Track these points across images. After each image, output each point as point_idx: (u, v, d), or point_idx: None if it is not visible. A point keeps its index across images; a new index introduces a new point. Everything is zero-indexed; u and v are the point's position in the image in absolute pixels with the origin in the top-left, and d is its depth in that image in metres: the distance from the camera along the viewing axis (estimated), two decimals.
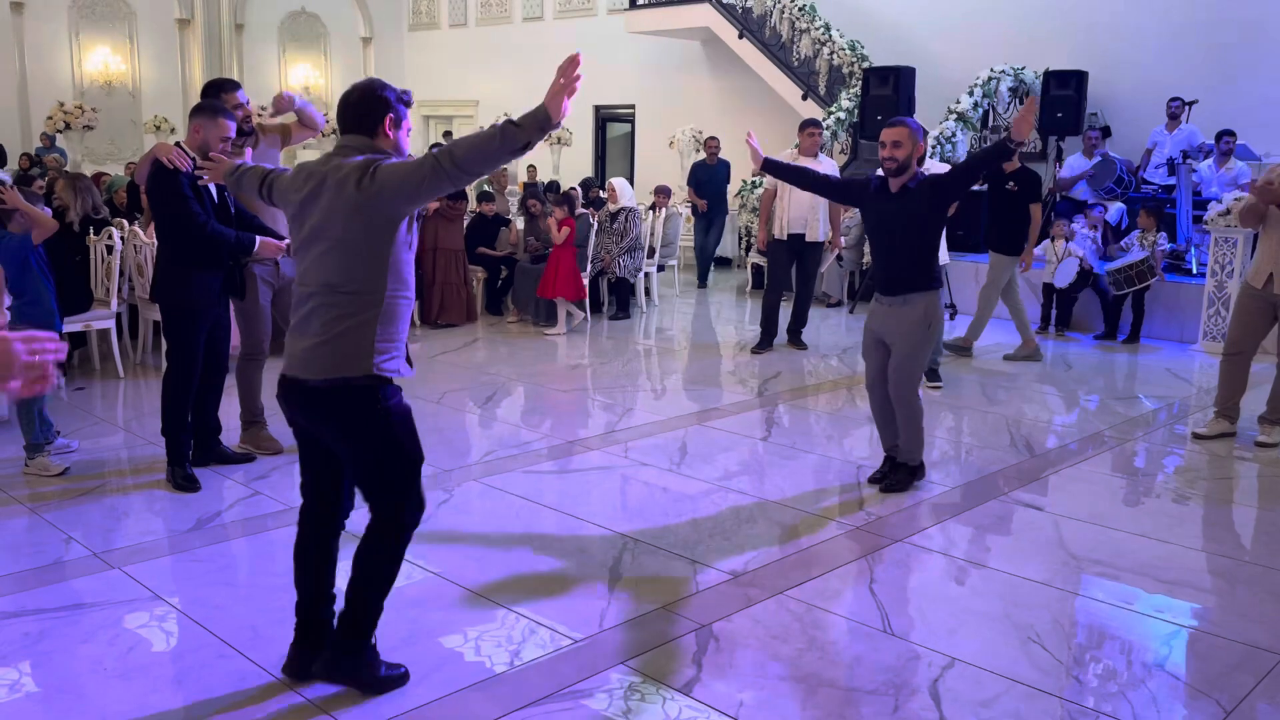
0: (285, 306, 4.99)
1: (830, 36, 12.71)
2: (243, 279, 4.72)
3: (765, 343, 7.96)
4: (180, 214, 4.35)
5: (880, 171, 4.62)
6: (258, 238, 4.55)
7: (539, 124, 2.48)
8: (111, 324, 6.59)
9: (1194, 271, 8.99)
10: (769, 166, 5.08)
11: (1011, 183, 7.52)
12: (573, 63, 2.47)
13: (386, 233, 2.64)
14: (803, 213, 7.72)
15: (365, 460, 2.77)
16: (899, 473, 4.74)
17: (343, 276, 2.64)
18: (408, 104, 2.80)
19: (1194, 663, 3.18)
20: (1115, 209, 9.74)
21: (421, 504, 2.85)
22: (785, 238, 7.78)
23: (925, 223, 4.50)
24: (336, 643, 2.88)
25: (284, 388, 2.79)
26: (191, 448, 4.71)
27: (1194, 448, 5.57)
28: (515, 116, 2.51)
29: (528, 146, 2.52)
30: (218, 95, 4.79)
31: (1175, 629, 3.41)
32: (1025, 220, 7.52)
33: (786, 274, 8.10)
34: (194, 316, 4.51)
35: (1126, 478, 5.10)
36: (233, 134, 4.42)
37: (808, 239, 7.79)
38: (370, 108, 2.72)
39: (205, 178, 3.64)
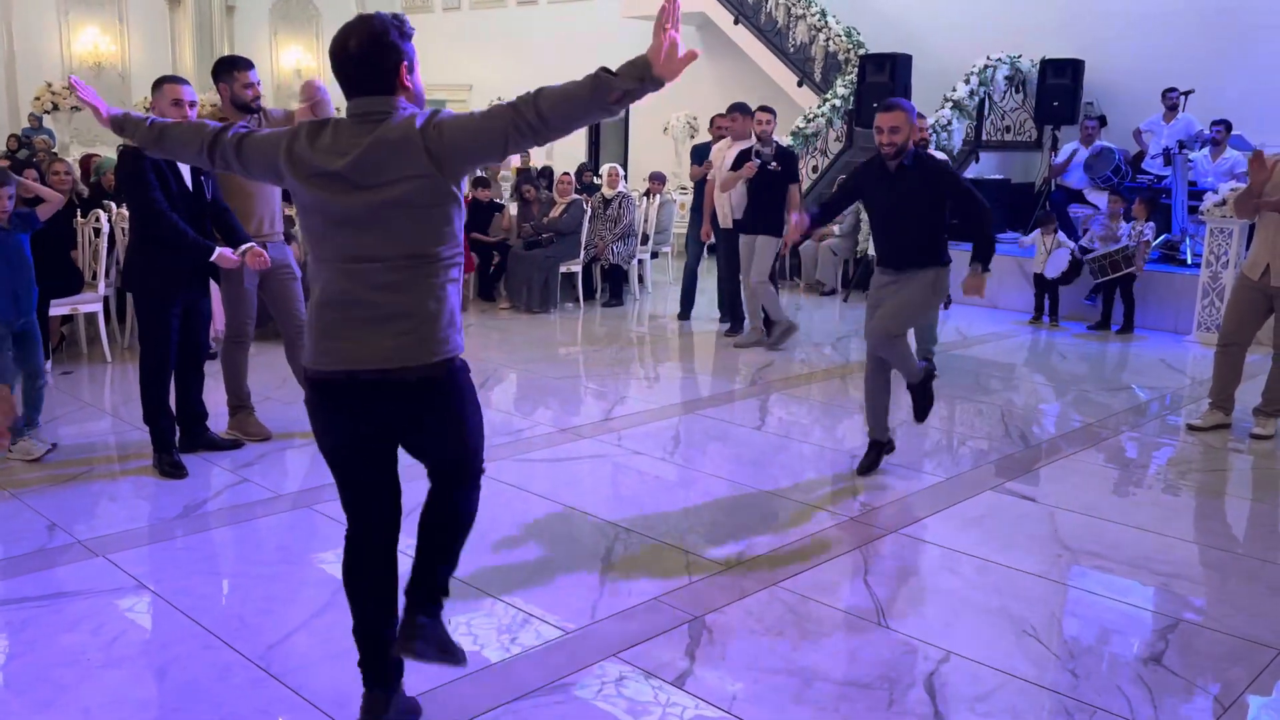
0: (277, 293, 4.91)
1: (826, 22, 12.64)
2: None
3: (738, 325, 8.09)
4: (140, 201, 4.28)
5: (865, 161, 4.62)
6: (217, 250, 4.43)
7: (638, 73, 2.11)
8: (99, 307, 6.52)
9: (1188, 262, 8.97)
10: (816, 224, 4.82)
11: (775, 163, 7.19)
12: (665, 11, 2.09)
13: (453, 192, 2.33)
14: (741, 200, 7.68)
15: (468, 431, 2.46)
16: (917, 401, 4.78)
17: (421, 243, 2.30)
18: (410, 36, 2.37)
19: (1189, 656, 3.15)
20: (1122, 204, 9.69)
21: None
22: (731, 225, 7.81)
23: (927, 200, 4.50)
24: (432, 614, 2.53)
25: (344, 387, 2.35)
26: (178, 434, 4.66)
27: (1188, 439, 5.55)
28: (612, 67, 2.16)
29: (623, 100, 2.14)
30: (229, 72, 4.71)
31: (1170, 622, 3.39)
32: (784, 201, 7.29)
33: (737, 258, 8.12)
34: (163, 301, 4.43)
35: (1120, 469, 5.08)
36: (185, 96, 4.32)
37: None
38: (381, 59, 2.29)
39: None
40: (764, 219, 7.23)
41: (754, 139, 7.35)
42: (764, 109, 7.42)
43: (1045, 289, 8.97)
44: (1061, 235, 8.75)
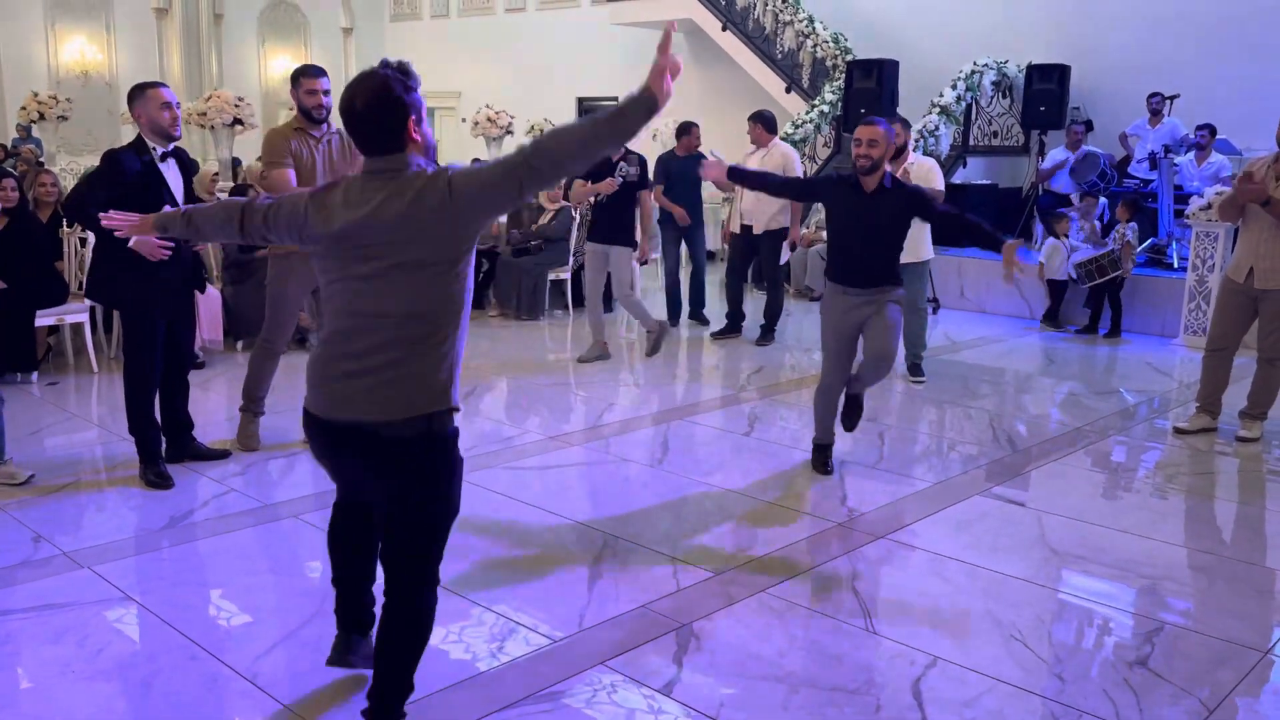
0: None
1: (814, 29, 12.67)
2: (200, 271, 4.65)
3: (730, 328, 8.24)
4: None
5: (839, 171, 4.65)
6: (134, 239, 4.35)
7: (644, 107, 2.19)
8: (85, 318, 6.49)
9: (1175, 266, 9.00)
10: (735, 175, 4.94)
11: (635, 169, 7.01)
12: (668, 37, 2.19)
13: (465, 248, 2.35)
14: (749, 205, 7.91)
15: (427, 509, 2.45)
16: (855, 410, 4.82)
17: (425, 303, 2.32)
18: (416, 87, 2.36)
19: (1176, 660, 3.16)
20: (1098, 204, 9.75)
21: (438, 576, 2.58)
22: (738, 229, 8.06)
23: (892, 221, 4.59)
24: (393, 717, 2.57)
25: (337, 434, 2.41)
26: (164, 444, 4.64)
27: (1175, 443, 5.57)
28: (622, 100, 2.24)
29: (631, 133, 2.24)
30: (296, 79, 4.78)
31: (1157, 626, 3.40)
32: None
33: (744, 263, 8.45)
34: (145, 310, 4.40)
35: (1108, 473, 5.10)
36: (172, 99, 4.33)
37: (755, 231, 7.95)
38: (388, 118, 2.29)
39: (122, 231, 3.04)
40: (622, 231, 7.11)
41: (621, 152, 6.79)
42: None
43: (1059, 289, 8.95)
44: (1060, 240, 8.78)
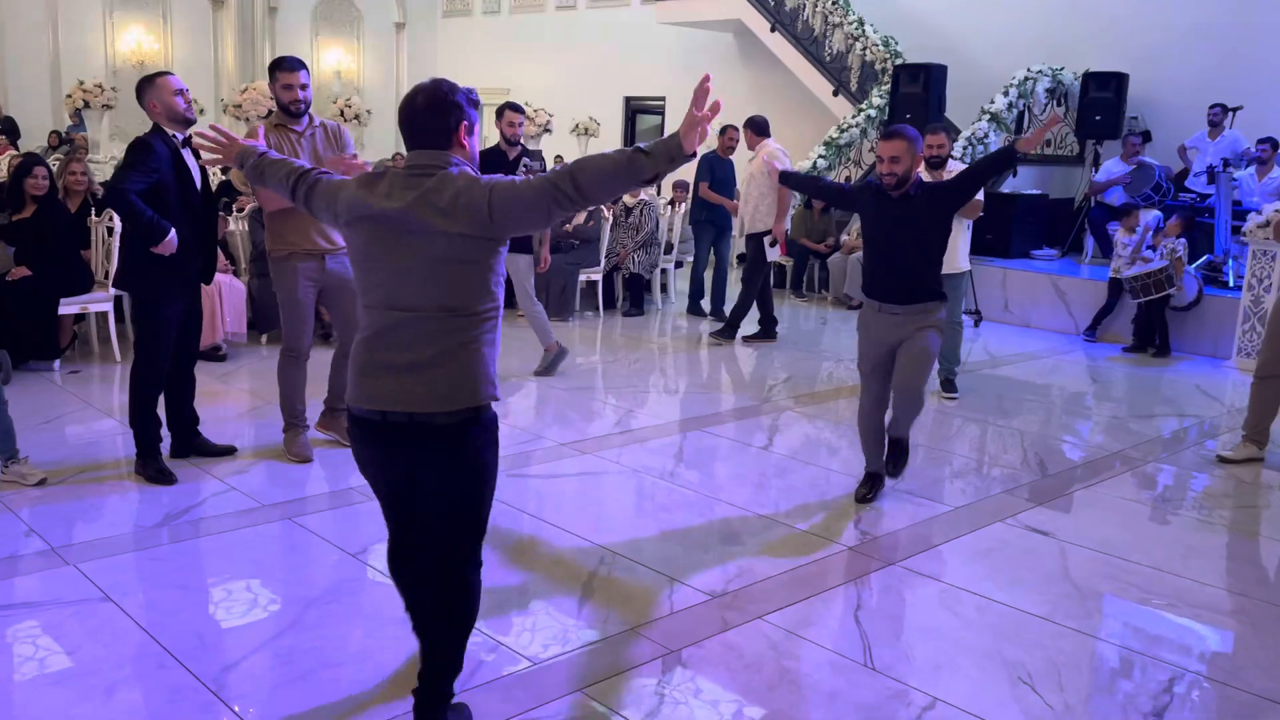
0: (335, 302, 4.76)
1: (864, 32, 12.42)
2: (213, 265, 4.59)
3: (766, 332, 8.18)
4: (114, 182, 4.20)
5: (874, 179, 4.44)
6: (171, 234, 4.24)
7: (670, 154, 2.27)
8: (110, 306, 6.50)
9: (1230, 284, 8.64)
10: (786, 179, 4.90)
11: (539, 164, 6.82)
12: (704, 90, 2.24)
13: (497, 252, 2.43)
14: (756, 207, 7.90)
15: (469, 497, 2.51)
16: (900, 456, 4.59)
17: (460, 298, 2.40)
18: (478, 106, 2.52)
19: (1195, 713, 2.95)
20: (1152, 216, 9.40)
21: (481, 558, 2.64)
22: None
23: (927, 229, 4.29)
24: (431, 700, 2.60)
25: (377, 426, 2.46)
26: (170, 440, 4.60)
27: (1218, 472, 5.29)
28: (644, 145, 2.31)
29: (656, 178, 2.34)
30: (272, 73, 4.69)
31: (1178, 673, 3.17)
32: None
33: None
34: (164, 302, 4.35)
35: (1142, 503, 4.84)
36: (183, 86, 4.31)
37: (744, 232, 7.97)
38: (441, 116, 2.42)
39: (205, 155, 3.18)
40: (517, 239, 6.75)
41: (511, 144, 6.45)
42: (512, 107, 6.51)
43: (1115, 297, 8.61)
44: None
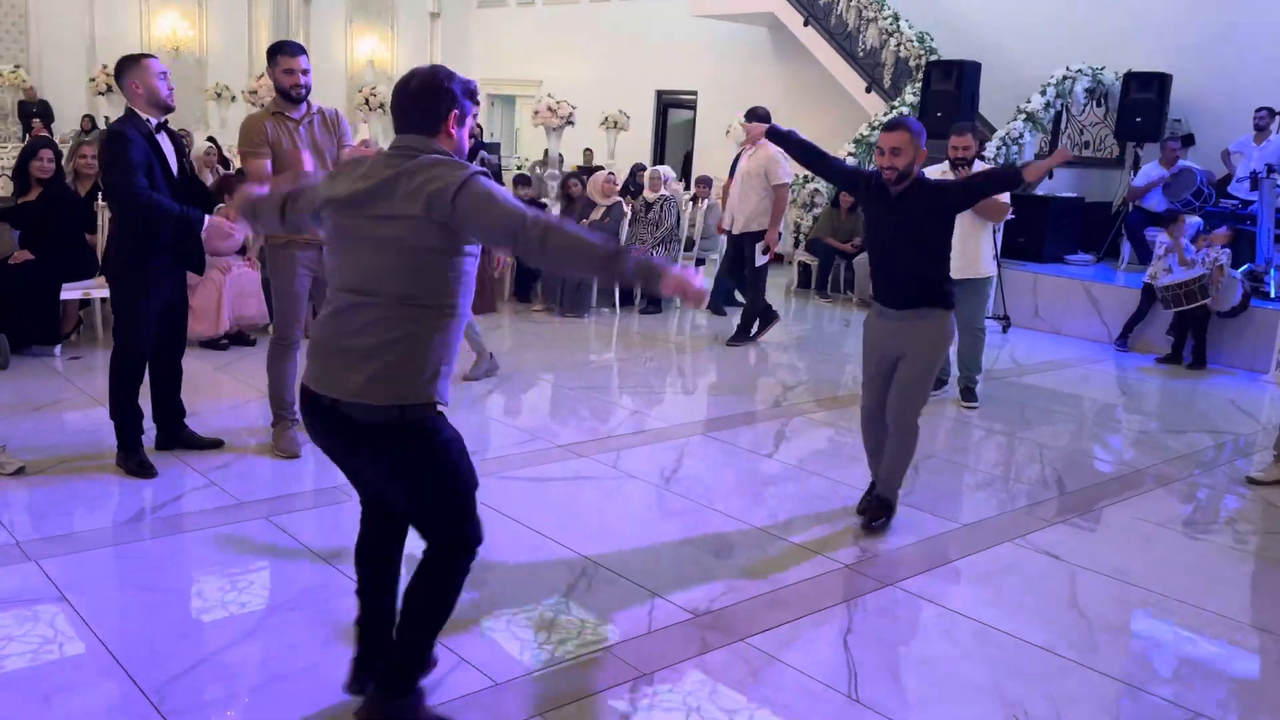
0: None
1: (898, 27, 12.13)
2: (202, 254, 4.47)
3: (765, 320, 7.93)
4: (120, 185, 4.09)
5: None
6: (207, 218, 4.22)
7: (644, 275, 2.30)
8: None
9: (1272, 295, 8.29)
10: (775, 136, 4.54)
11: (494, 158, 6.66)
12: (687, 288, 2.30)
13: (460, 249, 2.36)
14: (733, 201, 7.76)
15: (419, 495, 2.44)
16: (880, 509, 4.21)
17: (417, 287, 2.32)
18: (474, 97, 2.46)
19: None
20: (1192, 223, 9.06)
21: (479, 534, 2.51)
22: (728, 225, 7.92)
23: (926, 231, 4.03)
24: (385, 685, 2.55)
25: (315, 405, 2.42)
26: (155, 432, 4.49)
27: (1247, 494, 5.02)
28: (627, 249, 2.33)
29: (618, 281, 2.40)
30: (272, 57, 4.54)
31: (1188, 715, 2.95)
32: None
33: (733, 264, 8.24)
34: (143, 294, 4.24)
35: (1164, 526, 4.58)
36: (165, 70, 4.21)
37: (734, 230, 7.75)
38: (432, 102, 2.37)
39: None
40: None
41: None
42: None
43: (1148, 305, 8.32)
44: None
